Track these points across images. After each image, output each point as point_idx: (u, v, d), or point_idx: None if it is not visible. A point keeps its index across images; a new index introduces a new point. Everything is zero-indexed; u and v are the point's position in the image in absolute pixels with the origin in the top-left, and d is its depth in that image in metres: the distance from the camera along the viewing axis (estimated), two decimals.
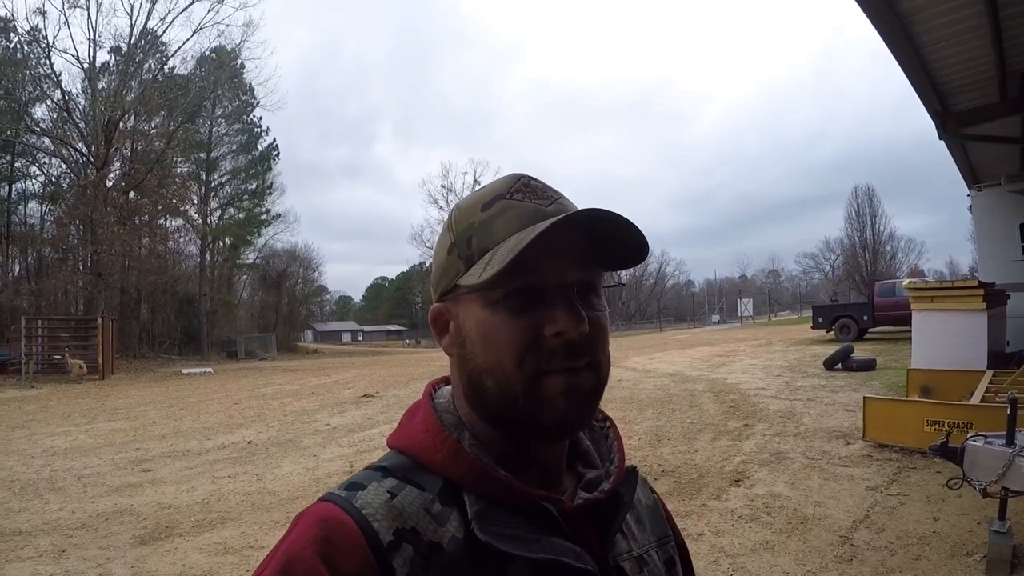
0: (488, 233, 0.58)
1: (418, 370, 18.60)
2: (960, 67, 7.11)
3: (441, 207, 48.09)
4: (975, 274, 12.78)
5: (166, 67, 29.89)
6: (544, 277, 0.56)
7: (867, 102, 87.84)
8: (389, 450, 0.63)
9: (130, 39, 27.79)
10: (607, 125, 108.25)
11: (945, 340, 8.03)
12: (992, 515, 3.54)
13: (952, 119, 8.23)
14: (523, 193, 0.59)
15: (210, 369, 22.90)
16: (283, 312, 43.31)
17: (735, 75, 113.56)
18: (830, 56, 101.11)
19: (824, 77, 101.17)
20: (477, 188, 0.64)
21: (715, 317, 49.96)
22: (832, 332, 18.93)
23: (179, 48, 29.76)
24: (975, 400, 5.82)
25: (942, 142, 8.96)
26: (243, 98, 36.57)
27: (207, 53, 31.26)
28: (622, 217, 0.56)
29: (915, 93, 7.80)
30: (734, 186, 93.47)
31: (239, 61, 32.89)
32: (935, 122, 8.38)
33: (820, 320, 19.84)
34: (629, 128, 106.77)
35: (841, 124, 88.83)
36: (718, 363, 15.21)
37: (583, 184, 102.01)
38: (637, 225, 0.57)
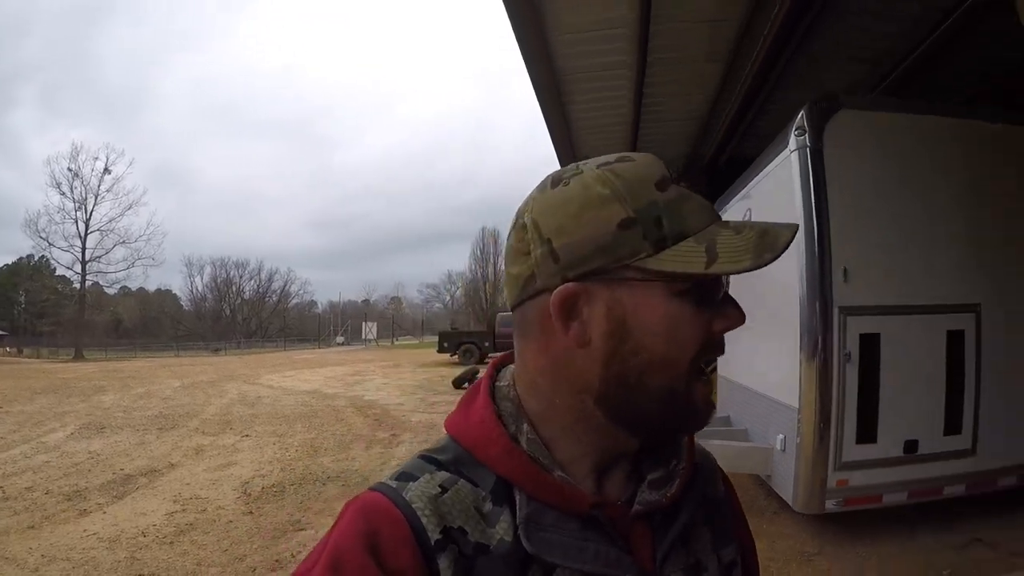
0: (679, 217, 0.51)
1: (39, 383, 15.50)
2: (599, 150, 9.08)
3: (63, 193, 37.75)
4: None
5: None
6: None
7: (513, 158, 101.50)
8: (445, 435, 0.59)
9: None
10: (265, 138, 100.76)
11: None
12: None
13: None
14: (675, 181, 0.54)
15: None
16: None
17: (402, 112, 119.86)
18: (493, 110, 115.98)
19: (484, 128, 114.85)
20: (605, 160, 0.54)
21: (340, 339, 50.45)
22: (456, 356, 21.27)
23: None
24: None
25: None
26: None
27: None
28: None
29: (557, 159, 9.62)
30: (376, 216, 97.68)
31: None
32: None
33: (446, 345, 22.01)
34: (286, 145, 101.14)
35: (489, 174, 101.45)
36: (352, 382, 15.63)
37: (220, 192, 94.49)
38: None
